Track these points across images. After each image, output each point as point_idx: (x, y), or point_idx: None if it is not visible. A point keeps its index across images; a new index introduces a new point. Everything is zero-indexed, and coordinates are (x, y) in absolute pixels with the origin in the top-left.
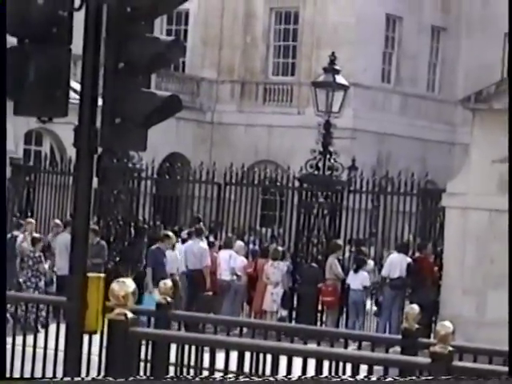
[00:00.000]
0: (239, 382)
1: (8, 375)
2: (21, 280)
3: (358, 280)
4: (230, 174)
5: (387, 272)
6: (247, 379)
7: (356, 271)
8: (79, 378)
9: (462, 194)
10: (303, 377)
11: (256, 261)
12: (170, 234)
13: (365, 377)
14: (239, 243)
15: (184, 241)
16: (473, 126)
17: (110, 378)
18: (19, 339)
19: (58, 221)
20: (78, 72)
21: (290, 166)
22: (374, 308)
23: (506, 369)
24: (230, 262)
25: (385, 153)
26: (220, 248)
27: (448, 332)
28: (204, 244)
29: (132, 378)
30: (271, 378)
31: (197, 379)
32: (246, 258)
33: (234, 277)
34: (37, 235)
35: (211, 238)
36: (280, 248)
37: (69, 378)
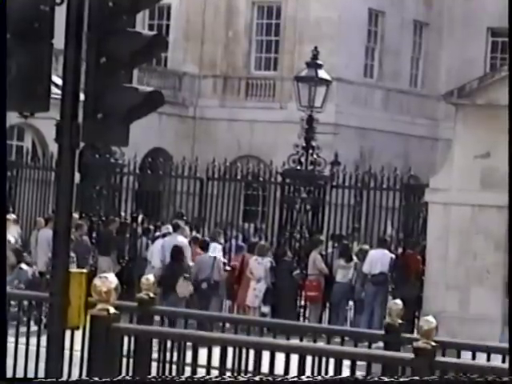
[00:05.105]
0: (220, 381)
1: None
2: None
3: (348, 271)
4: (212, 169)
5: (368, 268)
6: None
7: (348, 261)
8: (86, 378)
9: (445, 189)
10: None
11: (243, 256)
12: None
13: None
14: (214, 245)
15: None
16: (455, 122)
17: (120, 378)
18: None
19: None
20: (59, 67)
21: (272, 160)
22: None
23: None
24: None
25: (367, 148)
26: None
27: (431, 327)
28: (182, 238)
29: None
30: (256, 378)
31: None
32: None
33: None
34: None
35: (194, 233)
36: (263, 243)
37: (74, 379)
